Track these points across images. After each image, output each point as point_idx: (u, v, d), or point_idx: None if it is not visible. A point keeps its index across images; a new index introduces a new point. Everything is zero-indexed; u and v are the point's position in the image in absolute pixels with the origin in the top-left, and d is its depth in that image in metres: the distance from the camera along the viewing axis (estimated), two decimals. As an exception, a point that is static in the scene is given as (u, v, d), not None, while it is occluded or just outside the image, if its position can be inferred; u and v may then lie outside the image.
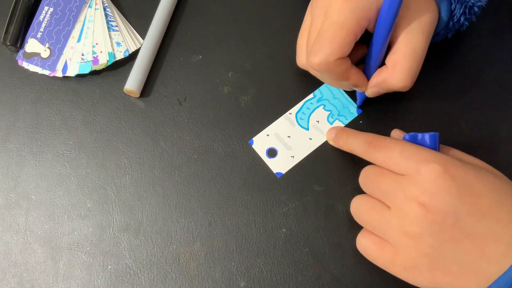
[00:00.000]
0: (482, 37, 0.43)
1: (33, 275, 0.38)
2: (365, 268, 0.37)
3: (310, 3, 0.38)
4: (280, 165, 0.40)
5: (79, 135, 0.41)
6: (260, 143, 0.41)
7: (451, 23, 0.37)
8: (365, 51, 0.38)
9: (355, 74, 0.35)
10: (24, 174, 0.40)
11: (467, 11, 0.36)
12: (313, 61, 0.33)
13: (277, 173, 0.40)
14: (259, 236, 0.38)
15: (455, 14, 0.36)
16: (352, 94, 0.41)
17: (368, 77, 0.37)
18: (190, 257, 0.38)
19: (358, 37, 0.34)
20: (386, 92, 0.36)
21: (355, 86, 0.36)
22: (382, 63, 0.36)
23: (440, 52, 0.42)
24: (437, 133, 0.33)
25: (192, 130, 0.41)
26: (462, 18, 0.36)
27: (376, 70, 0.36)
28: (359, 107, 0.41)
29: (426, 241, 0.30)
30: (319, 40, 0.33)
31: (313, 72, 0.37)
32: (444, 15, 0.35)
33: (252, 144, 0.40)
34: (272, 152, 0.40)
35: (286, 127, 0.41)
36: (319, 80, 0.41)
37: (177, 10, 0.44)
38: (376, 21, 0.33)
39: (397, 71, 0.34)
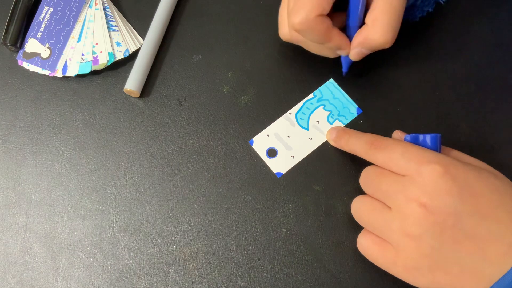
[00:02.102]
0: (482, 38, 0.43)
1: (33, 275, 0.38)
2: (365, 268, 0.37)
3: None
4: (280, 165, 0.40)
5: (79, 135, 0.41)
6: (260, 143, 0.41)
7: None
8: (345, 19, 0.38)
9: (337, 35, 0.36)
10: (24, 174, 0.40)
11: None
12: (295, 21, 0.34)
13: (277, 173, 0.40)
14: (259, 236, 0.38)
15: None
16: (352, 94, 0.41)
17: (350, 39, 0.37)
18: (190, 257, 0.38)
19: None
20: (369, 51, 0.37)
21: (338, 47, 0.37)
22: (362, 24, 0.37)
23: (440, 53, 0.42)
24: (438, 134, 0.33)
25: (192, 130, 0.41)
26: None
27: (356, 30, 0.37)
28: (346, 73, 0.41)
29: (427, 242, 0.30)
30: (298, 0, 0.34)
31: (296, 38, 0.37)
32: None
33: (252, 144, 0.40)
34: (272, 152, 0.40)
35: (286, 127, 0.41)
36: (319, 80, 0.41)
37: (177, 10, 0.44)
38: None
39: (377, 26, 0.35)
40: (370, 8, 0.35)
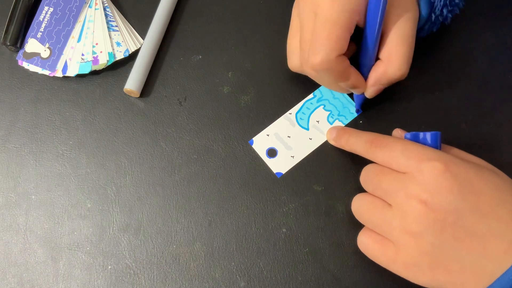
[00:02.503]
0: (483, 38, 0.43)
1: (33, 275, 0.38)
2: (365, 268, 0.37)
3: (295, 5, 0.38)
4: (280, 165, 0.40)
5: (79, 135, 0.41)
6: (260, 143, 0.41)
7: (433, 16, 0.37)
8: (354, 48, 0.38)
9: (354, 73, 0.36)
10: (24, 174, 0.40)
11: (448, 2, 0.36)
12: (315, 61, 0.34)
13: (277, 173, 0.40)
14: (259, 236, 0.38)
15: (436, 6, 0.36)
16: (352, 94, 0.41)
17: (362, 76, 0.37)
18: (190, 257, 0.38)
19: (352, 32, 0.34)
20: (386, 86, 0.37)
21: (354, 86, 0.36)
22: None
23: (440, 53, 0.42)
24: (438, 132, 0.33)
25: (192, 130, 0.41)
26: (445, 11, 0.37)
27: (370, 69, 0.36)
28: (357, 110, 0.41)
29: (427, 239, 0.30)
30: (316, 40, 0.33)
31: (310, 73, 0.37)
32: (423, 7, 0.36)
33: (252, 144, 0.40)
34: (272, 152, 0.40)
35: (286, 127, 0.41)
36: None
37: (177, 10, 0.44)
38: (365, 14, 0.34)
39: (394, 61, 0.35)
40: (384, 43, 0.35)
